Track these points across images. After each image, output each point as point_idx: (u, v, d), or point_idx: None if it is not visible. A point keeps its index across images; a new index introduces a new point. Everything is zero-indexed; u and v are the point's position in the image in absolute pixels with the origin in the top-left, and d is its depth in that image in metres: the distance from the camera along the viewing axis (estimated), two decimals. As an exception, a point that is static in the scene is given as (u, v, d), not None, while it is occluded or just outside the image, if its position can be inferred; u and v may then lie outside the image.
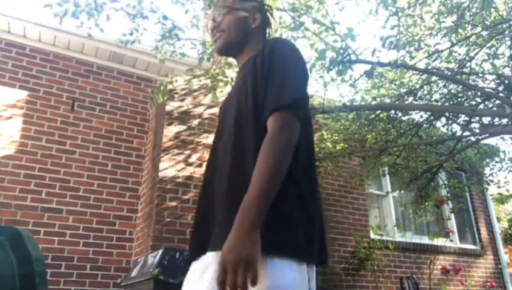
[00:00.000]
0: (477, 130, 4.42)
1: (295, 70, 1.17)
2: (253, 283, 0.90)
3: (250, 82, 1.20)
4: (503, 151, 5.81)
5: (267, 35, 1.45)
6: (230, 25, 1.36)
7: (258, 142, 1.07)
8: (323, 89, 4.04)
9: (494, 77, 4.48)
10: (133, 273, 3.39)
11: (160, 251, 3.16)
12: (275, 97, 1.10)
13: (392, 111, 4.67)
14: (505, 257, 7.23)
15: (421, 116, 4.94)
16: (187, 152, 4.41)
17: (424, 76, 4.62)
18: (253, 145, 1.09)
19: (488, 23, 4.12)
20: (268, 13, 1.46)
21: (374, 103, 4.71)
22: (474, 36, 4.20)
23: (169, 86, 3.94)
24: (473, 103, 4.56)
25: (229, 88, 4.21)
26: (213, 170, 1.23)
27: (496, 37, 4.08)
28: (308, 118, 1.21)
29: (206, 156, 4.52)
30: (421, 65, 4.40)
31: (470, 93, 4.49)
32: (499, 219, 9.22)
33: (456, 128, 5.20)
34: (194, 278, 1.13)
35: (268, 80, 1.15)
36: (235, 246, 0.91)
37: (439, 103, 4.76)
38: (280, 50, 1.20)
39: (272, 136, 1.04)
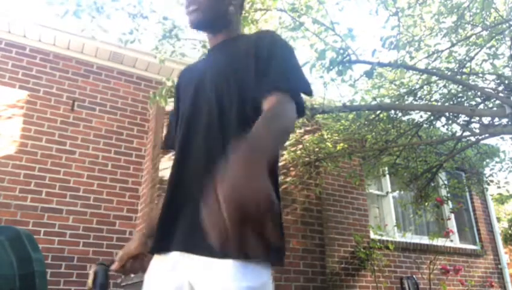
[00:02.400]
0: (477, 130, 4.42)
1: (299, 66, 1.15)
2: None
3: (252, 70, 1.13)
4: (503, 151, 5.82)
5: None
6: (206, 1, 1.28)
7: (240, 127, 1.03)
8: (323, 89, 4.04)
9: (494, 77, 4.48)
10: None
11: (160, 251, 3.15)
12: (281, 78, 1.06)
13: (392, 111, 4.67)
14: (505, 257, 7.23)
15: (421, 116, 4.94)
16: (187, 152, 4.40)
17: (424, 76, 4.62)
18: (237, 129, 1.05)
19: (488, 23, 4.12)
20: None
21: (374, 103, 4.71)
22: (474, 36, 4.20)
23: (169, 84, 3.93)
24: (473, 103, 4.56)
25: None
26: (183, 158, 1.15)
27: (496, 37, 4.08)
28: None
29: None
30: (421, 65, 4.40)
31: (470, 93, 4.49)
32: (499, 219, 9.22)
33: (456, 128, 5.20)
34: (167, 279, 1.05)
35: (272, 65, 1.10)
36: (252, 180, 0.71)
37: (439, 103, 4.76)
38: (281, 42, 1.18)
39: (282, 108, 0.98)
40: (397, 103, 4.65)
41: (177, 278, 1.04)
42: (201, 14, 1.27)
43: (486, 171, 6.17)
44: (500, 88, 4.30)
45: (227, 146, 0.98)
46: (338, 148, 4.99)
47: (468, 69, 4.41)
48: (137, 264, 1.22)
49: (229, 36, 1.30)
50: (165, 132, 4.37)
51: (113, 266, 1.24)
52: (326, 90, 4.04)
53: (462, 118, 4.72)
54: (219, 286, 0.93)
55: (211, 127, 1.10)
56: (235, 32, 1.32)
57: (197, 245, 0.99)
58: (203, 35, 5.52)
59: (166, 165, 4.22)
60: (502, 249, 7.26)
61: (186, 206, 1.07)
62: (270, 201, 0.70)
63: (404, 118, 4.91)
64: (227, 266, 0.94)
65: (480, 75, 4.55)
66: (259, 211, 0.69)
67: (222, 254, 0.92)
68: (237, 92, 1.11)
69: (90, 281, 1.21)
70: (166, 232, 1.09)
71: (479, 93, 4.31)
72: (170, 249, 1.07)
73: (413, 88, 4.71)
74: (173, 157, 1.23)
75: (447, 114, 4.63)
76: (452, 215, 6.74)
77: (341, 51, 3.38)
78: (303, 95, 1.13)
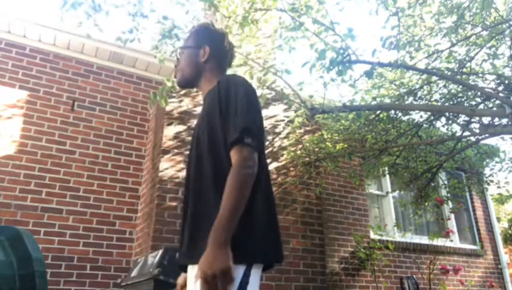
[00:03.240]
0: (477, 130, 4.42)
1: (243, 103, 1.32)
2: (231, 286, 1.11)
3: (206, 118, 1.40)
4: (503, 151, 5.82)
5: (230, 57, 1.66)
6: (184, 64, 1.60)
7: (215, 170, 1.30)
8: (323, 89, 4.04)
9: (494, 77, 4.48)
10: (133, 273, 3.39)
11: (160, 251, 3.15)
12: (231, 132, 1.28)
13: (392, 111, 4.67)
14: (505, 257, 7.23)
15: (421, 116, 4.94)
16: (187, 152, 4.41)
17: (424, 76, 4.62)
18: (211, 174, 1.31)
19: (488, 23, 4.12)
20: (223, 39, 1.63)
21: (374, 103, 4.71)
22: (474, 36, 4.20)
23: (169, 84, 3.93)
24: (473, 103, 4.56)
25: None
26: (187, 190, 1.44)
27: (496, 37, 4.08)
28: (262, 147, 1.39)
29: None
30: (421, 65, 4.40)
31: (470, 93, 4.49)
32: (499, 219, 9.22)
33: (456, 128, 5.20)
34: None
35: (224, 115, 1.33)
36: (212, 261, 1.09)
37: (439, 103, 4.76)
38: (230, 87, 1.37)
39: (234, 171, 1.22)
40: (397, 103, 4.65)
41: None
42: (180, 74, 1.61)
43: (486, 171, 6.17)
44: (500, 88, 4.30)
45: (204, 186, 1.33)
46: (338, 148, 4.99)
47: (468, 69, 4.41)
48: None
49: (209, 87, 1.51)
50: (165, 132, 4.37)
51: None
52: (326, 90, 4.04)
53: (462, 118, 4.72)
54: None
55: (194, 176, 1.39)
56: (215, 80, 1.50)
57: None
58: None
59: (166, 165, 4.23)
60: (502, 249, 7.26)
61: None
62: (222, 271, 1.09)
63: (404, 118, 4.91)
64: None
65: (480, 75, 4.55)
66: (216, 280, 1.10)
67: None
68: (209, 139, 1.37)
69: None
70: None
71: (479, 93, 4.31)
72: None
73: (413, 88, 4.71)
74: None
75: (447, 114, 4.63)
76: (452, 215, 6.74)
77: (341, 51, 3.38)
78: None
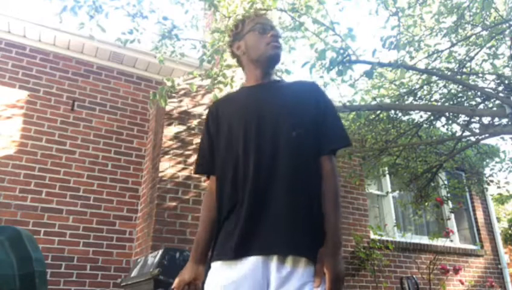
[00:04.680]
0: (477, 130, 4.42)
1: (341, 120, 1.48)
2: None
3: (315, 115, 1.40)
4: (503, 152, 5.82)
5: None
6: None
7: (318, 168, 1.36)
8: (323, 89, 4.03)
9: (494, 77, 4.48)
10: (133, 273, 3.39)
11: (160, 251, 3.15)
12: (333, 138, 1.39)
13: (392, 111, 4.67)
14: (505, 257, 7.22)
15: (421, 116, 4.94)
16: (187, 152, 4.41)
17: (424, 76, 4.62)
18: (315, 168, 1.35)
19: (488, 23, 4.12)
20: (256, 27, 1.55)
21: (374, 103, 4.71)
22: (474, 36, 4.20)
23: (169, 84, 3.93)
24: (473, 103, 4.56)
25: (229, 89, 4.21)
26: (268, 175, 1.31)
27: (496, 37, 4.08)
28: None
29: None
30: (421, 65, 4.40)
31: (470, 93, 4.49)
32: (499, 219, 9.22)
33: (456, 128, 5.20)
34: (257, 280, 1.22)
35: (329, 120, 1.41)
36: (342, 266, 1.23)
37: (439, 103, 4.76)
38: (328, 98, 1.48)
39: (335, 178, 1.34)
40: (397, 103, 4.65)
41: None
42: (281, 53, 1.56)
43: (486, 171, 6.17)
44: (500, 88, 4.30)
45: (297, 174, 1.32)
46: (338, 148, 4.97)
47: (468, 69, 4.41)
48: (192, 288, 1.42)
49: (273, 78, 1.54)
50: (165, 132, 4.37)
51: None
52: (326, 90, 4.04)
53: (462, 118, 4.72)
54: None
55: (278, 150, 1.34)
56: (247, 72, 1.56)
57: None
58: (202, 36, 5.52)
59: (166, 165, 4.22)
60: (502, 249, 7.26)
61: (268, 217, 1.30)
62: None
63: (404, 118, 4.91)
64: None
65: (480, 75, 4.55)
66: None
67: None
68: (306, 131, 1.37)
69: None
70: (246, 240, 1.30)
71: (479, 93, 4.31)
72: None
73: (413, 88, 4.71)
74: (225, 179, 1.40)
75: (447, 114, 4.63)
76: (452, 215, 6.73)
77: (341, 51, 3.38)
78: None
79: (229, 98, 1.59)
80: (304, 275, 1.19)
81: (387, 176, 6.12)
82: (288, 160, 1.31)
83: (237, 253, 1.24)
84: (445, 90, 4.81)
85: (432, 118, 4.77)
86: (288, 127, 1.35)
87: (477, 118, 4.38)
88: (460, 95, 4.61)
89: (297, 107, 1.40)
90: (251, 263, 1.22)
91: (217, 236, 1.36)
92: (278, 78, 1.59)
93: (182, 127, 4.48)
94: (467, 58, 4.38)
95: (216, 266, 1.29)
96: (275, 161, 1.32)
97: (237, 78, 4.29)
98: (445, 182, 5.77)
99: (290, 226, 1.24)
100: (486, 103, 4.42)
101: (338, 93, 4.65)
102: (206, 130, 1.54)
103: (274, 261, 1.21)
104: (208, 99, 4.74)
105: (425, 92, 4.89)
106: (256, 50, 1.52)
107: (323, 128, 1.39)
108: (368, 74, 3.44)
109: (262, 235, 1.24)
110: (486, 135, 4.12)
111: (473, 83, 4.46)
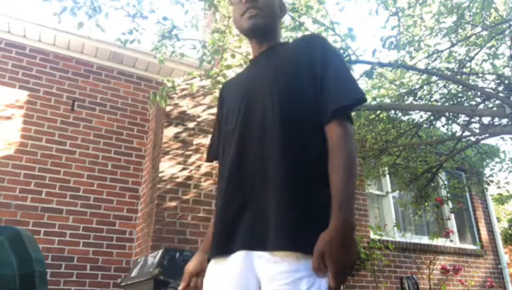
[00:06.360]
0: (477, 130, 4.42)
1: (351, 75, 1.17)
2: None
3: (306, 74, 1.17)
4: (503, 152, 5.82)
5: None
6: (269, 6, 1.32)
7: (317, 134, 1.10)
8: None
9: (494, 77, 4.48)
10: (133, 273, 3.39)
11: (160, 251, 3.15)
12: (340, 93, 1.10)
13: (392, 111, 4.67)
14: (505, 257, 7.22)
15: (421, 116, 4.94)
16: (187, 152, 4.41)
17: (424, 76, 4.63)
18: (313, 137, 1.10)
19: (488, 23, 4.12)
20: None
21: (374, 103, 4.71)
22: (474, 36, 4.20)
23: (169, 84, 3.94)
24: (473, 103, 4.56)
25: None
26: (238, 166, 1.15)
27: (496, 37, 4.08)
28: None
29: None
30: (421, 65, 4.41)
31: (470, 93, 4.49)
32: (499, 219, 9.22)
33: (456, 128, 5.21)
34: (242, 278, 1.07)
35: (328, 77, 1.13)
36: (350, 255, 0.97)
37: (439, 103, 4.76)
38: (331, 48, 1.21)
39: (346, 145, 1.06)
40: (397, 103, 4.65)
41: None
42: (261, 20, 1.30)
43: (486, 171, 6.17)
44: (500, 88, 4.30)
45: (282, 150, 1.09)
46: (338, 148, 4.97)
47: (468, 69, 4.42)
48: (200, 281, 1.28)
49: (273, 43, 1.35)
50: (165, 132, 4.37)
51: (180, 287, 1.30)
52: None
53: (462, 118, 4.72)
54: None
55: (266, 131, 1.14)
56: (278, 40, 1.38)
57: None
58: (201, 36, 5.52)
59: (166, 165, 4.23)
60: (502, 249, 7.26)
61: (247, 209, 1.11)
62: (357, 259, 0.97)
63: (404, 118, 4.91)
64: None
65: (480, 75, 4.55)
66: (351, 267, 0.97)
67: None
68: (293, 98, 1.15)
69: None
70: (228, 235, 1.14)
71: (479, 93, 4.31)
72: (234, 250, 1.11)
73: (413, 88, 4.71)
74: (222, 163, 1.26)
75: (447, 114, 4.63)
76: (452, 215, 6.73)
77: (341, 51, 3.38)
78: None
79: (236, 76, 1.46)
80: (290, 273, 0.97)
81: (387, 176, 6.12)
82: (275, 143, 1.10)
83: (219, 250, 1.13)
84: (445, 90, 4.81)
85: (432, 118, 4.78)
86: (275, 100, 1.14)
87: (477, 118, 4.39)
88: (460, 95, 4.61)
89: (289, 72, 1.18)
90: (234, 260, 1.09)
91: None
92: (279, 42, 1.37)
93: (182, 127, 4.48)
94: (467, 58, 4.38)
95: (210, 264, 1.19)
96: (262, 145, 1.12)
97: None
98: (445, 182, 5.77)
99: (273, 217, 1.04)
100: (486, 103, 4.42)
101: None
102: (216, 114, 1.43)
103: (257, 259, 1.04)
104: (208, 99, 4.74)
105: (425, 92, 4.89)
106: (236, 24, 1.37)
107: (323, 88, 1.12)
108: (368, 74, 3.44)
109: (241, 231, 1.09)
110: (486, 135, 4.13)
111: (473, 83, 4.46)
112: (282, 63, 1.22)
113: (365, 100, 1.12)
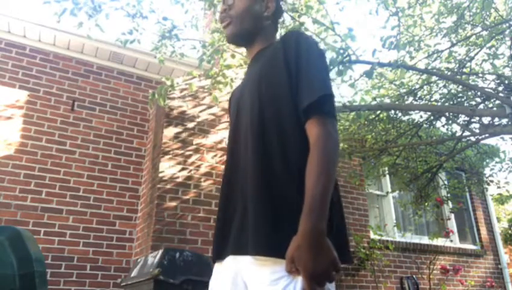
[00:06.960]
0: (477, 130, 4.42)
1: (321, 65, 1.14)
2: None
3: (266, 80, 1.17)
4: (503, 152, 5.82)
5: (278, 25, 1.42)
6: (242, 12, 1.29)
7: (297, 134, 1.07)
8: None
9: (494, 77, 4.48)
10: (133, 273, 3.39)
11: (160, 251, 3.15)
12: (306, 95, 1.07)
13: (392, 111, 4.67)
14: (505, 257, 7.23)
15: (421, 116, 4.94)
16: (187, 152, 4.41)
17: (424, 76, 4.63)
18: (281, 150, 1.08)
19: (488, 23, 4.12)
20: (282, 1, 1.41)
21: (374, 103, 4.71)
22: (474, 36, 4.20)
23: (168, 83, 3.94)
24: (473, 103, 4.56)
25: (229, 89, 4.21)
26: (233, 170, 1.19)
27: (496, 37, 4.08)
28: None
29: (206, 156, 4.53)
30: (421, 65, 4.40)
31: (470, 93, 4.49)
32: (499, 219, 9.23)
33: (456, 128, 5.20)
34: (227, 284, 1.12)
35: (299, 73, 1.11)
36: (321, 260, 0.93)
37: (439, 103, 4.76)
38: (304, 41, 1.17)
39: (322, 144, 1.02)
40: (397, 103, 4.65)
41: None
42: (235, 27, 1.29)
43: (486, 171, 6.17)
44: (500, 88, 4.30)
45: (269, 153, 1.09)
46: (338, 148, 4.97)
47: (468, 69, 4.42)
48: None
49: (263, 45, 1.31)
50: (165, 132, 4.37)
51: None
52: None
53: (462, 118, 4.72)
54: None
55: (247, 134, 1.15)
56: (270, 41, 1.32)
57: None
58: (201, 36, 5.52)
59: (166, 165, 4.23)
60: (502, 249, 7.26)
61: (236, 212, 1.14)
62: (332, 264, 0.92)
63: (404, 118, 4.91)
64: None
65: (480, 75, 4.55)
66: (327, 275, 0.92)
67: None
68: (271, 98, 1.14)
69: None
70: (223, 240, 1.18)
71: (479, 93, 4.31)
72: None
73: (413, 88, 4.71)
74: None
75: (447, 114, 4.63)
76: (452, 215, 6.74)
77: (341, 51, 3.38)
78: None
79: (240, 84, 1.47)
80: (270, 275, 0.99)
81: (387, 176, 6.12)
82: (255, 143, 1.11)
83: (215, 256, 1.19)
84: (445, 90, 4.81)
85: (432, 118, 4.77)
86: (255, 105, 1.15)
87: (477, 118, 4.39)
88: (460, 95, 4.61)
89: (268, 75, 1.17)
90: (226, 265, 1.14)
91: None
92: (271, 43, 1.32)
93: (182, 127, 4.49)
94: (467, 58, 4.38)
95: (214, 267, 1.25)
96: (246, 148, 1.14)
97: (239, 78, 4.29)
98: (445, 182, 5.78)
99: (254, 221, 1.04)
100: (486, 103, 4.42)
101: (338, 93, 4.65)
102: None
103: (242, 263, 1.07)
104: (208, 99, 4.74)
105: (425, 92, 4.89)
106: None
107: (298, 87, 1.10)
108: (368, 74, 3.44)
109: (232, 235, 1.12)
110: (486, 135, 4.13)
111: (473, 83, 4.46)
112: (265, 65, 1.21)
113: (331, 96, 1.09)
